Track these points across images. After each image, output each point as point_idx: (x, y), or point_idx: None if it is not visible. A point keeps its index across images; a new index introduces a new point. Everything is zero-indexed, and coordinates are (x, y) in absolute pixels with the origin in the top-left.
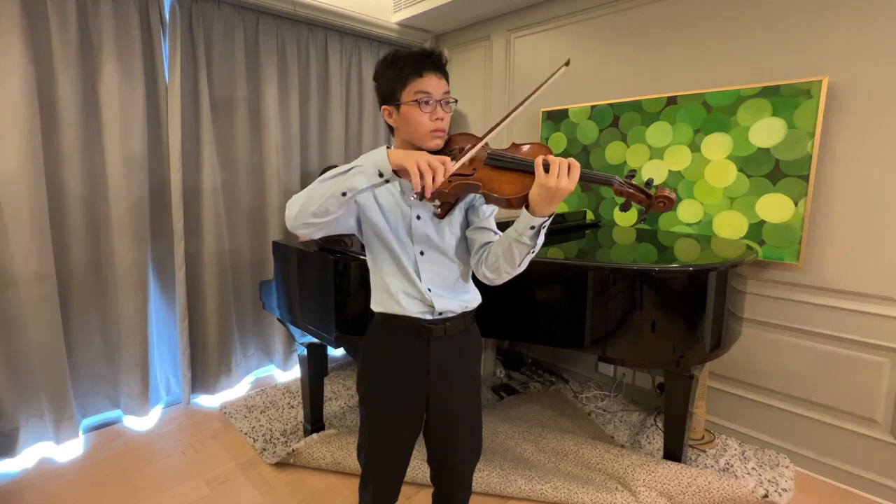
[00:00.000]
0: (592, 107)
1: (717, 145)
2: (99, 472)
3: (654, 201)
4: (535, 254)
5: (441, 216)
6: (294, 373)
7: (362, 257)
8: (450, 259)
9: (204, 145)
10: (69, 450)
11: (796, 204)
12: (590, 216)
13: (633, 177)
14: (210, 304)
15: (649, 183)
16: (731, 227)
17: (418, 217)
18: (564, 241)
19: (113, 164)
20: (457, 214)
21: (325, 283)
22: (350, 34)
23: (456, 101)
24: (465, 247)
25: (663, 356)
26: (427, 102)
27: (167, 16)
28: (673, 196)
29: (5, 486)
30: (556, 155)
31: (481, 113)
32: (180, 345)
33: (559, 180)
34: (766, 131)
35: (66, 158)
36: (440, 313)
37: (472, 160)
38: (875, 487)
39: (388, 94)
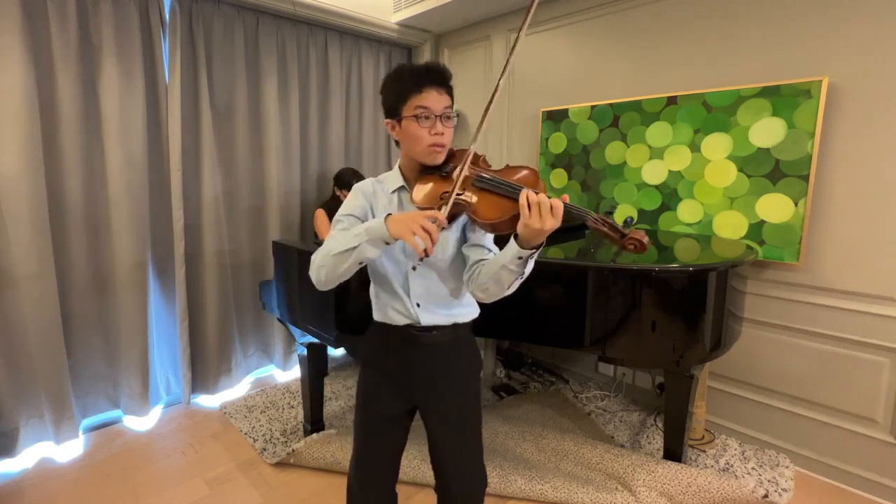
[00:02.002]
0: (592, 107)
1: (717, 145)
2: (99, 472)
3: (625, 242)
4: (524, 278)
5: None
6: (294, 373)
7: None
8: (442, 275)
9: (204, 145)
10: (69, 450)
11: (796, 204)
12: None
13: (610, 213)
14: (210, 303)
15: (628, 222)
16: (731, 227)
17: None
18: (564, 241)
19: (113, 164)
20: (453, 230)
21: None
22: (350, 34)
23: (458, 115)
24: (460, 263)
25: (663, 356)
26: (426, 118)
27: (167, 16)
28: (646, 241)
29: (5, 486)
30: (556, 156)
31: (481, 113)
32: (180, 345)
33: (543, 221)
34: (766, 131)
35: (66, 158)
36: (426, 326)
37: (460, 176)
38: (875, 487)
39: (391, 108)
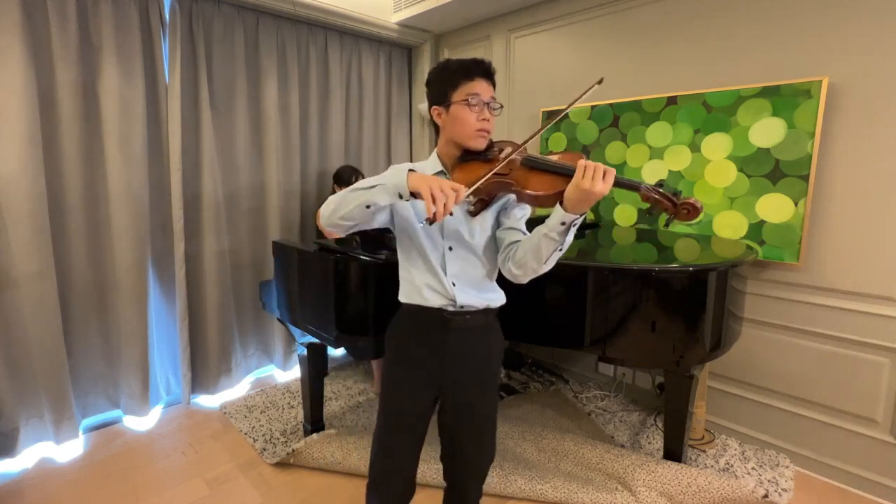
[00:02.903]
0: (592, 107)
1: (717, 145)
2: (99, 472)
3: (678, 209)
4: (562, 252)
5: (474, 214)
6: (294, 373)
7: (363, 257)
8: (477, 257)
9: (204, 145)
10: (69, 450)
11: (796, 204)
12: (590, 216)
13: (661, 185)
14: (210, 304)
15: (677, 193)
16: (731, 227)
17: (451, 213)
18: None
19: (113, 164)
20: (489, 215)
21: (325, 283)
22: (350, 34)
23: (501, 106)
24: (493, 247)
25: (663, 356)
26: (475, 104)
27: (167, 16)
28: (699, 205)
29: (5, 486)
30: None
31: None
32: (180, 345)
33: (594, 183)
34: (766, 131)
35: (66, 158)
36: (461, 306)
37: (508, 162)
38: (875, 487)
39: (440, 95)
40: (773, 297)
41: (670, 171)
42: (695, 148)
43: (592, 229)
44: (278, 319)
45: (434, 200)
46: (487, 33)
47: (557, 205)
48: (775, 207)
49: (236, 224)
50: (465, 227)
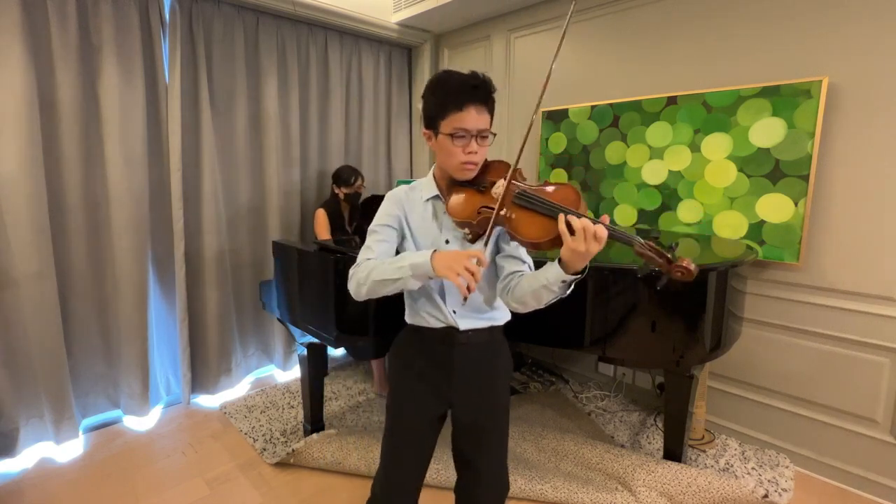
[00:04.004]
0: (592, 107)
1: (717, 145)
2: (99, 472)
3: (672, 268)
4: (566, 295)
5: (472, 241)
6: (294, 373)
7: None
8: (478, 285)
9: (204, 145)
10: (69, 450)
11: (796, 204)
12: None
13: (656, 238)
14: (210, 304)
15: (672, 248)
16: (731, 227)
17: (447, 241)
18: None
19: (113, 164)
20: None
21: (325, 282)
22: (350, 34)
23: (494, 134)
24: (493, 272)
25: (663, 356)
26: (462, 137)
27: (167, 16)
28: (692, 268)
29: (5, 486)
30: (556, 156)
31: None
32: (180, 345)
33: (588, 245)
34: (766, 131)
35: (66, 158)
36: (464, 329)
37: (503, 195)
38: (875, 487)
39: (430, 119)
40: (773, 297)
41: (670, 171)
42: (695, 148)
43: None
44: (278, 319)
45: (462, 276)
46: (487, 33)
47: (556, 262)
48: (775, 207)
49: (236, 224)
50: None
